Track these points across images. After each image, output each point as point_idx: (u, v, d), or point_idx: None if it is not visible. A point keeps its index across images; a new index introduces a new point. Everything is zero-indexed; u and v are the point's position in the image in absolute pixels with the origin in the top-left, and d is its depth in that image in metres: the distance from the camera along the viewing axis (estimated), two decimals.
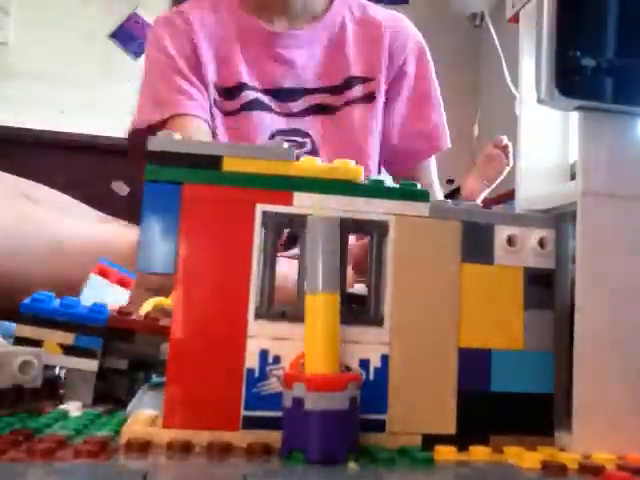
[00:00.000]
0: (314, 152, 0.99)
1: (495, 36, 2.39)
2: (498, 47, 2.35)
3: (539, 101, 0.28)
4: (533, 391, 0.28)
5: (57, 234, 0.71)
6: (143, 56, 1.03)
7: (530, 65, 0.30)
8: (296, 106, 0.98)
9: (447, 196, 1.92)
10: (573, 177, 0.29)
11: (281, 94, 0.98)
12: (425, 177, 1.05)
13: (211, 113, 0.96)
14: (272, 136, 0.98)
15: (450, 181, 2.40)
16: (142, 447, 0.26)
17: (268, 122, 0.98)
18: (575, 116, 0.29)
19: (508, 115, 1.08)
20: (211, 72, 0.97)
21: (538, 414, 0.28)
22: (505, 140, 1.33)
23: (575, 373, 0.27)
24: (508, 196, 0.36)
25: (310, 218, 0.29)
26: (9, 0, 2.48)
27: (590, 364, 0.27)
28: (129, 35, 2.61)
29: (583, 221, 0.28)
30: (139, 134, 0.97)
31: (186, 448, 0.26)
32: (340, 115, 1.00)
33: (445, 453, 0.26)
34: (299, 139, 0.99)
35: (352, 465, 0.25)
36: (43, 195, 0.83)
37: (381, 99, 1.02)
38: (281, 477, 0.24)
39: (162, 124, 0.92)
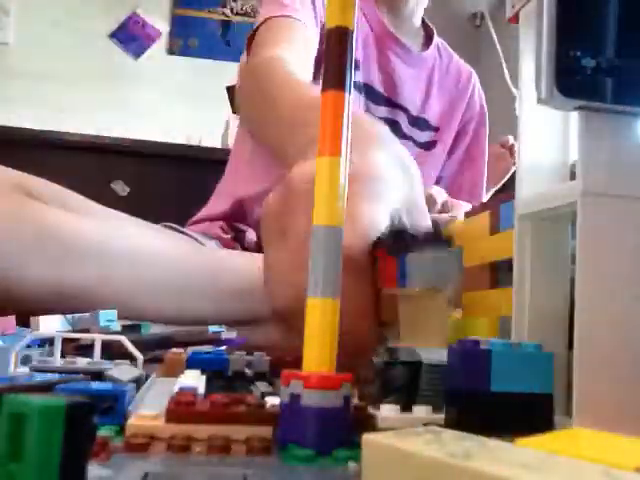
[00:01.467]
0: None
1: (495, 36, 2.39)
2: (498, 47, 2.35)
3: (539, 101, 0.28)
4: (533, 391, 0.28)
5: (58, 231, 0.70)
6: None
7: (530, 65, 0.30)
8: (374, 110, 0.98)
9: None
10: (573, 177, 0.29)
11: (368, 92, 0.98)
12: None
13: None
14: None
15: None
16: (143, 446, 0.26)
17: (368, 109, 0.96)
18: (575, 116, 0.29)
19: (508, 115, 1.08)
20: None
21: (538, 414, 0.28)
22: (511, 140, 1.34)
23: (575, 373, 0.27)
24: (508, 196, 0.36)
25: (314, 227, 0.29)
26: (9, 0, 2.48)
27: (590, 364, 0.27)
28: (129, 35, 2.61)
29: (583, 221, 0.28)
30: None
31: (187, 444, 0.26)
32: (407, 145, 0.99)
33: None
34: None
35: (352, 465, 0.25)
36: (47, 191, 0.80)
37: (444, 152, 1.03)
38: (281, 477, 0.24)
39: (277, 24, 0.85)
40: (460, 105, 1.04)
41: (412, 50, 1.00)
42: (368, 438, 0.21)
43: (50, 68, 2.43)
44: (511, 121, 0.34)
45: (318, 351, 0.28)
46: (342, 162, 0.29)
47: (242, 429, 0.28)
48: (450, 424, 0.26)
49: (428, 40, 1.06)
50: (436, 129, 1.02)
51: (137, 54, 2.58)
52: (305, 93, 0.64)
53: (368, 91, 0.97)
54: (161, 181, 2.20)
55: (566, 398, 0.29)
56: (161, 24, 2.61)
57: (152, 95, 2.47)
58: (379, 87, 0.97)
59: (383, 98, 0.97)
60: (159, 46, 2.61)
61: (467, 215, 0.42)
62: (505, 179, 1.63)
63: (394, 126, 0.98)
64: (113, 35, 2.56)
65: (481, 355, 0.27)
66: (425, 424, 0.29)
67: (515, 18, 0.33)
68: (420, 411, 0.31)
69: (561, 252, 0.32)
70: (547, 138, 0.32)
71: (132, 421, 0.28)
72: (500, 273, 0.37)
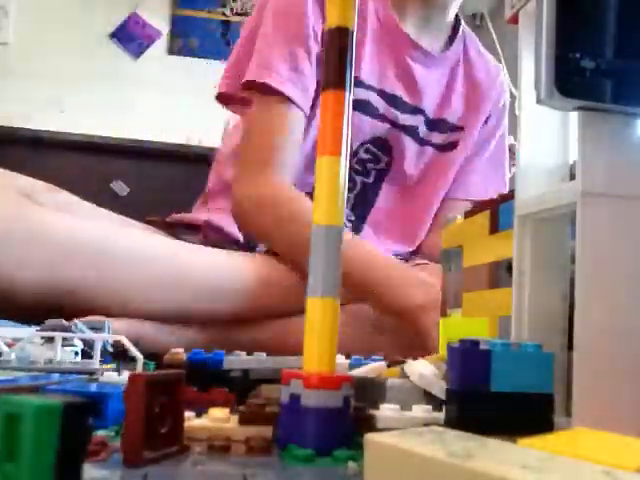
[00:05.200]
0: (384, 171, 0.97)
1: (495, 36, 2.39)
2: (498, 48, 2.35)
3: (539, 101, 0.28)
4: (533, 391, 0.28)
5: (56, 234, 0.71)
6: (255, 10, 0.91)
7: (529, 65, 0.30)
8: (402, 119, 0.95)
9: None
10: (573, 177, 0.29)
11: (394, 101, 0.94)
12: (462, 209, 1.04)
13: (312, 109, 0.88)
14: (361, 144, 0.94)
15: None
16: None
17: (367, 127, 0.93)
18: (575, 116, 0.29)
19: (508, 115, 1.08)
20: None
21: (538, 414, 0.28)
22: (511, 140, 1.34)
23: (575, 373, 0.27)
24: (508, 196, 0.36)
25: (314, 227, 0.29)
26: (9, 0, 2.48)
27: (590, 364, 0.27)
28: (129, 35, 2.61)
29: (583, 221, 0.28)
30: (230, 86, 0.90)
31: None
32: (426, 151, 0.98)
33: None
34: (379, 154, 0.96)
35: (352, 465, 0.25)
36: (45, 194, 0.81)
37: (465, 151, 1.00)
38: (281, 477, 0.24)
39: (257, 87, 0.84)
40: (487, 102, 1.00)
41: (433, 50, 0.95)
42: (370, 438, 0.21)
43: (50, 68, 2.43)
44: (511, 121, 0.34)
45: (318, 351, 0.28)
46: (342, 161, 0.29)
47: (242, 429, 0.28)
48: (450, 424, 0.26)
49: (454, 32, 0.99)
50: (459, 128, 0.99)
51: (137, 54, 2.58)
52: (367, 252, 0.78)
53: (388, 98, 0.94)
54: (161, 181, 2.20)
55: (566, 398, 0.29)
56: (161, 24, 2.61)
57: (152, 95, 2.47)
58: (399, 93, 0.94)
59: (403, 104, 0.94)
60: (159, 46, 2.61)
61: (467, 215, 0.42)
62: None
63: (413, 131, 0.95)
64: (113, 35, 2.56)
65: (481, 355, 0.27)
66: (425, 424, 0.29)
67: (514, 19, 0.33)
68: (419, 410, 0.31)
69: (561, 252, 0.32)
70: (547, 138, 0.32)
71: None
72: (500, 273, 0.37)
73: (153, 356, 0.49)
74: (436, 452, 0.19)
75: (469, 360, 0.27)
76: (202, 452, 0.26)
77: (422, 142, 0.98)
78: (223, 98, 0.92)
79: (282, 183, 0.84)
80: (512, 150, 1.31)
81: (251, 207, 0.84)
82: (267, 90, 0.83)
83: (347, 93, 0.30)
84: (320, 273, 0.28)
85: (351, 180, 0.94)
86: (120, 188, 2.28)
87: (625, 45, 0.28)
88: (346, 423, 0.27)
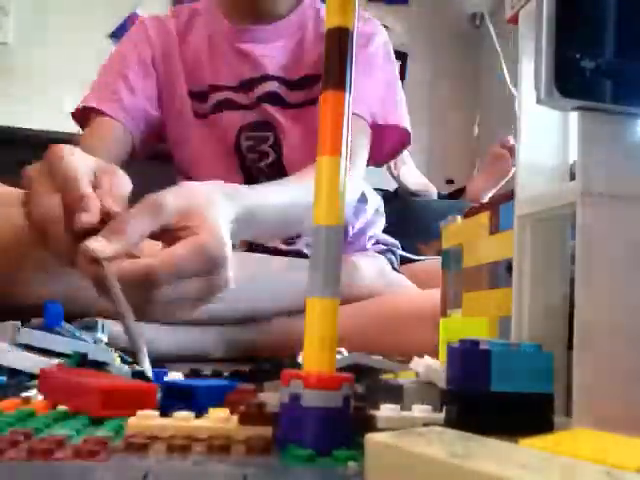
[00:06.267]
0: (277, 145, 1.01)
1: (495, 37, 2.39)
2: (498, 48, 2.35)
3: (538, 101, 0.28)
4: (533, 391, 0.28)
5: None
6: None
7: (529, 65, 0.30)
8: (258, 90, 1.00)
9: (449, 196, 1.92)
10: (573, 177, 0.29)
11: (245, 85, 1.00)
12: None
13: (181, 121, 1.00)
14: (239, 133, 1.00)
15: (450, 181, 2.40)
16: (143, 445, 0.26)
17: (238, 119, 1.00)
18: (574, 116, 0.29)
19: (508, 115, 1.08)
20: (181, 82, 1.00)
21: (538, 414, 0.28)
22: (512, 140, 1.33)
23: (574, 372, 0.27)
24: (508, 196, 0.36)
25: (314, 226, 0.29)
26: (9, 0, 2.48)
27: (590, 364, 0.27)
28: None
29: (583, 221, 0.28)
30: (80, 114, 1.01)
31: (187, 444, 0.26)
32: (304, 111, 1.01)
33: None
34: (262, 133, 1.01)
35: (352, 465, 0.25)
36: None
37: None
38: (281, 477, 0.24)
39: (87, 112, 0.97)
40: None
41: (262, 27, 1.01)
42: (371, 438, 0.21)
43: (50, 68, 2.43)
44: (511, 121, 0.34)
45: (318, 351, 0.28)
46: (342, 161, 0.29)
47: (242, 429, 0.28)
48: (450, 424, 0.26)
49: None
50: (318, 78, 1.00)
51: None
52: None
53: (239, 86, 0.99)
54: (161, 181, 2.20)
55: (566, 398, 0.29)
56: None
57: None
58: (246, 76, 0.99)
59: (251, 82, 1.00)
60: None
61: (467, 215, 0.42)
62: (506, 180, 1.63)
63: (275, 97, 1.00)
64: (113, 35, 2.56)
65: (481, 355, 0.27)
66: (425, 424, 0.29)
67: (514, 18, 0.32)
68: (419, 410, 0.31)
69: (561, 252, 0.32)
70: (547, 138, 0.32)
71: (132, 421, 0.28)
72: (500, 273, 0.37)
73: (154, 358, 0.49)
74: (436, 452, 0.19)
75: (469, 360, 0.27)
76: (202, 452, 0.26)
77: (289, 104, 1.01)
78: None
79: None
80: (513, 151, 1.31)
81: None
82: (90, 111, 0.97)
83: (347, 94, 0.30)
84: (320, 273, 0.28)
85: (258, 169, 1.01)
86: None
87: (625, 45, 0.28)
88: (346, 423, 0.27)
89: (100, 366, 0.44)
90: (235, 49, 1.00)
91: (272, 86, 1.00)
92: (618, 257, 0.28)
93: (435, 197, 1.88)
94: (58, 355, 0.46)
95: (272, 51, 1.01)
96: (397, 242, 1.13)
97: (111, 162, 0.83)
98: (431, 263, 1.17)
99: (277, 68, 1.01)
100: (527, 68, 0.31)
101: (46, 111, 2.39)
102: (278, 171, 0.99)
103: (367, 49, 1.02)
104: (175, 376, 0.45)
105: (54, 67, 2.45)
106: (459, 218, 0.43)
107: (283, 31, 1.03)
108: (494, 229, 0.38)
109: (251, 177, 1.01)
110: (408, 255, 1.19)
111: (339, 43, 0.30)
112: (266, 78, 1.00)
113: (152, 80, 1.00)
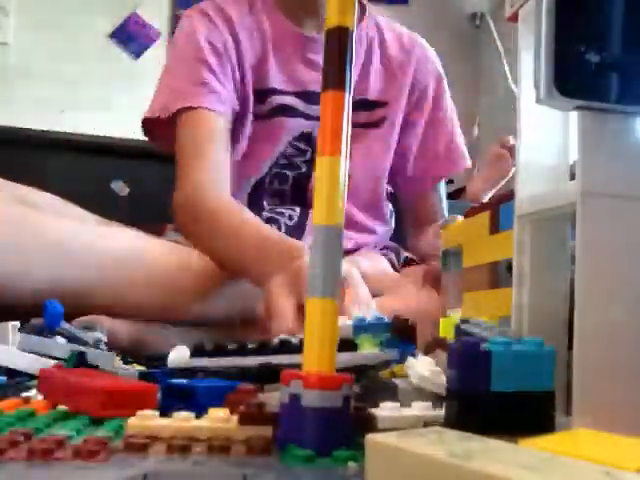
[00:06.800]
0: (311, 162, 0.99)
1: (495, 36, 2.39)
2: (500, 47, 2.35)
3: (538, 101, 0.27)
4: (534, 389, 0.28)
5: (57, 236, 0.72)
6: (167, 46, 1.06)
7: (529, 65, 0.30)
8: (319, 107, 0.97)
9: (449, 196, 1.92)
10: (573, 177, 0.29)
11: (312, 98, 0.97)
12: (437, 198, 1.08)
13: (241, 114, 0.95)
14: (289, 142, 0.98)
15: (450, 181, 2.40)
16: (143, 445, 0.26)
17: (293, 127, 0.97)
18: (575, 116, 0.29)
19: (508, 116, 1.08)
20: (248, 73, 0.95)
21: (539, 412, 0.28)
22: (512, 140, 1.33)
23: (575, 372, 0.27)
24: (508, 196, 0.36)
25: (315, 227, 0.29)
26: (9, 0, 2.47)
27: (590, 364, 0.27)
28: (129, 35, 2.61)
29: (583, 221, 0.28)
30: (152, 124, 0.97)
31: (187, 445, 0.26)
32: (356, 133, 0.99)
33: None
34: (302, 145, 0.99)
35: (352, 465, 0.25)
36: (38, 198, 0.84)
37: (394, 125, 1.03)
38: (281, 477, 0.24)
39: (176, 115, 0.91)
40: (406, 73, 1.03)
41: None
42: (371, 438, 0.21)
43: (50, 68, 2.42)
44: (512, 121, 0.34)
45: (318, 351, 0.28)
46: (342, 161, 0.29)
47: (242, 429, 0.28)
48: (450, 424, 0.26)
49: (362, 16, 1.04)
50: (383, 104, 1.02)
51: (137, 54, 2.58)
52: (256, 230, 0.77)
53: (304, 97, 0.97)
54: (161, 181, 2.20)
55: (566, 398, 0.29)
56: (161, 24, 2.61)
57: (152, 95, 2.47)
58: (312, 88, 0.96)
59: (318, 96, 0.96)
60: (159, 46, 2.60)
61: (467, 215, 0.42)
62: (506, 180, 1.62)
63: None
64: (113, 35, 2.56)
65: (481, 355, 0.27)
66: (426, 424, 0.29)
67: (514, 17, 0.32)
68: (419, 408, 0.31)
69: (561, 252, 0.32)
70: (547, 138, 0.32)
71: (132, 421, 0.28)
72: (500, 273, 0.37)
73: (156, 358, 0.49)
74: (437, 452, 0.19)
75: (469, 360, 0.27)
76: (202, 452, 0.26)
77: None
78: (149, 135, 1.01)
79: (204, 182, 0.87)
80: (513, 150, 1.31)
81: (176, 208, 0.89)
82: (183, 113, 0.91)
83: (347, 93, 0.30)
84: (320, 273, 0.28)
85: (282, 175, 0.99)
86: (120, 188, 2.28)
87: (625, 45, 0.28)
88: (346, 423, 0.27)
89: (99, 366, 0.44)
90: (304, 58, 0.98)
91: None
92: (618, 257, 0.28)
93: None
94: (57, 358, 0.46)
95: None
96: (397, 245, 1.13)
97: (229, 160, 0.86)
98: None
99: None
100: (527, 67, 0.31)
101: (46, 111, 2.39)
102: (300, 186, 0.98)
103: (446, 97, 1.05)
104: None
105: (54, 67, 2.45)
106: (459, 218, 0.43)
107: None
108: (494, 229, 0.38)
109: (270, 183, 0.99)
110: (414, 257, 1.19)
111: (339, 43, 0.30)
112: None
113: (230, 69, 0.94)
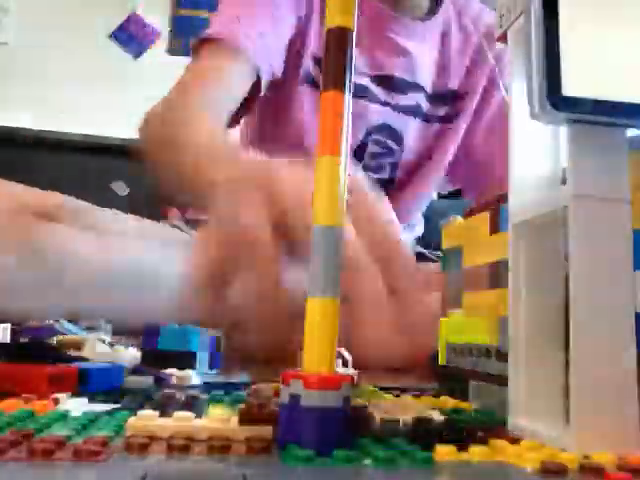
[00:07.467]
0: (397, 163, 0.93)
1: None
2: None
3: (532, 116, 0.28)
4: None
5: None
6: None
7: (520, 79, 0.30)
8: (404, 99, 0.90)
9: (449, 196, 1.92)
10: (564, 182, 0.29)
11: (391, 83, 0.90)
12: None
13: (297, 82, 0.88)
14: (368, 134, 0.90)
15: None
16: (143, 445, 0.26)
17: (366, 113, 0.89)
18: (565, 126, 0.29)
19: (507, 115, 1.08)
20: (314, 42, 0.88)
21: None
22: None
23: (572, 374, 0.27)
24: (501, 201, 0.37)
25: (315, 227, 0.29)
26: (9, 0, 2.48)
27: (587, 365, 0.27)
28: (129, 35, 2.61)
29: (575, 223, 0.28)
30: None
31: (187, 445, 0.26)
32: (432, 127, 0.94)
33: (445, 453, 0.26)
34: (390, 144, 0.92)
35: (366, 462, 0.25)
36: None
37: (465, 118, 0.96)
38: (281, 477, 0.24)
39: (215, 42, 0.84)
40: (484, 67, 0.94)
41: (414, 22, 0.90)
42: None
43: (50, 68, 2.43)
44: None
45: (318, 351, 0.28)
46: (342, 162, 0.29)
47: (242, 429, 0.28)
48: None
49: None
50: (463, 94, 0.94)
51: (137, 54, 2.58)
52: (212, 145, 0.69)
53: (384, 82, 0.90)
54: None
55: (564, 399, 0.29)
56: (161, 24, 2.61)
57: (152, 95, 2.47)
58: (394, 72, 0.89)
59: (400, 83, 0.90)
60: (159, 46, 2.61)
61: (467, 215, 0.42)
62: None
63: (417, 111, 0.92)
64: (113, 35, 2.56)
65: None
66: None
67: (504, 37, 0.32)
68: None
69: (556, 259, 0.32)
70: (538, 144, 0.32)
71: (132, 421, 0.28)
72: (500, 273, 0.37)
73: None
74: None
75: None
76: (202, 452, 0.26)
77: (428, 119, 0.94)
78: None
79: (199, 111, 0.80)
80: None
81: (150, 117, 0.84)
82: (217, 42, 0.85)
83: (347, 94, 0.30)
84: (320, 273, 0.28)
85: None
86: (120, 188, 2.28)
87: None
88: (346, 423, 0.27)
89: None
90: (384, 37, 0.89)
91: (417, 99, 0.91)
92: (613, 256, 0.28)
93: (435, 197, 1.88)
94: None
95: (425, 56, 0.91)
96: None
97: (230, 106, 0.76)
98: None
99: (426, 75, 0.91)
100: (517, 85, 0.31)
101: (46, 111, 2.39)
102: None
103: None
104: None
105: (54, 67, 2.45)
106: (459, 218, 0.43)
107: (431, 30, 0.92)
108: (494, 229, 0.38)
109: None
110: (424, 251, 1.16)
111: (339, 43, 0.30)
112: (415, 88, 0.91)
113: (292, 20, 0.87)
